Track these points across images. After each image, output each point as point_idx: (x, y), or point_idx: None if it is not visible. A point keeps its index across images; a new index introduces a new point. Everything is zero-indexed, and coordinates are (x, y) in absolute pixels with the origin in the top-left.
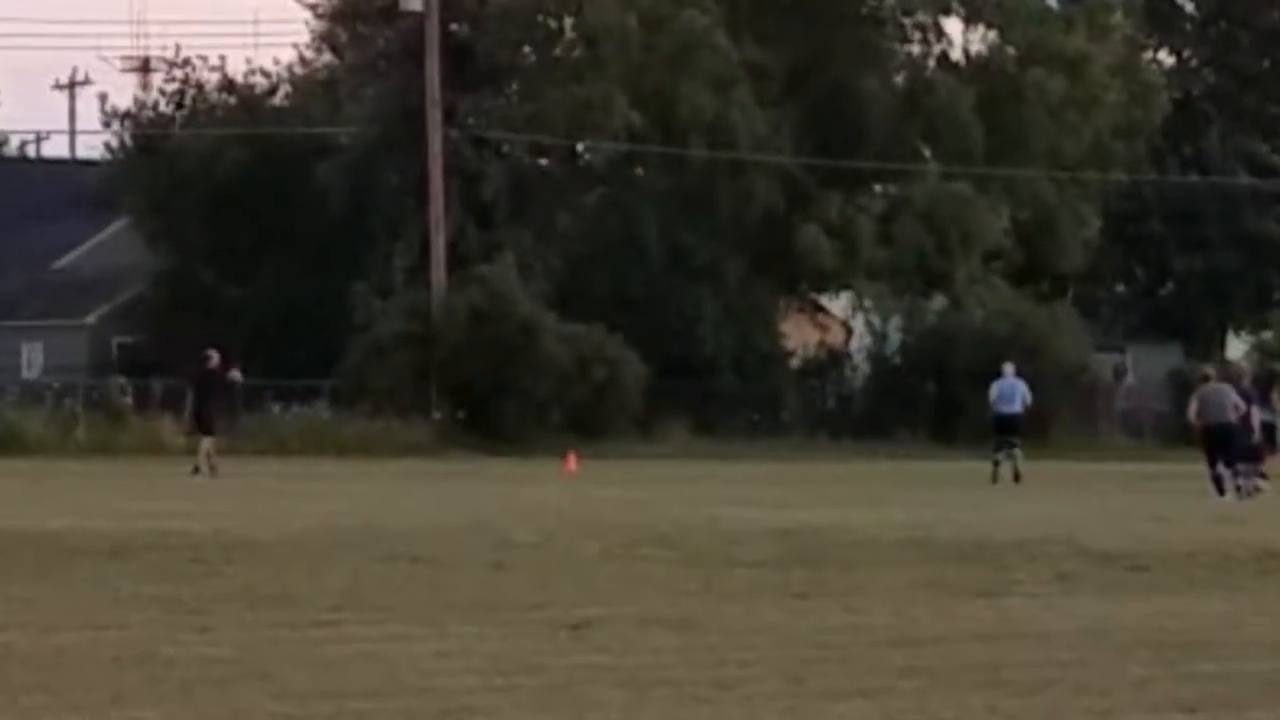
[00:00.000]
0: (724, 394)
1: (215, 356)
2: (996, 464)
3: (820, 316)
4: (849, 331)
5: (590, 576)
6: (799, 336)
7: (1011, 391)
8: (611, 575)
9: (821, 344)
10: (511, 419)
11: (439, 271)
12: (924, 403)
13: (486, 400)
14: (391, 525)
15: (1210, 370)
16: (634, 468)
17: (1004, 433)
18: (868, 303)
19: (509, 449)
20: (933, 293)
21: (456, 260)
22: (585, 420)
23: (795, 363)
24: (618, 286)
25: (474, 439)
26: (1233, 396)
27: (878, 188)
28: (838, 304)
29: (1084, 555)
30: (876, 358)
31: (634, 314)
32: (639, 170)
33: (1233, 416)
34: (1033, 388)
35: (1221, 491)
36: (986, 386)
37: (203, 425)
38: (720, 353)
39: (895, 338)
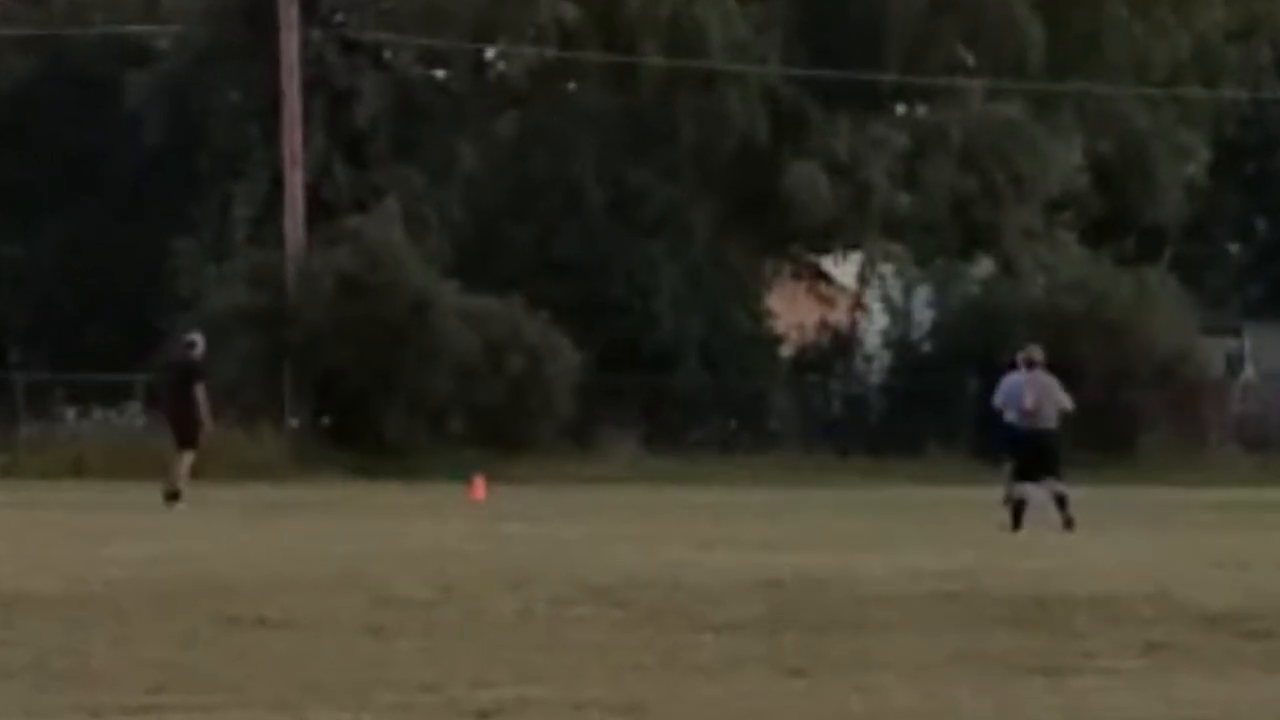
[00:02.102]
0: (688, 393)
1: (200, 343)
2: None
3: (822, 287)
4: (860, 307)
5: (504, 645)
6: (792, 314)
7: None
8: (533, 643)
9: (823, 325)
10: (396, 428)
11: (295, 225)
12: (964, 405)
13: (361, 402)
14: (231, 575)
15: (1037, 352)
16: (565, 495)
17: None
18: (886, 268)
19: (392, 469)
20: (976, 254)
21: (320, 209)
22: (498, 430)
23: (787, 350)
24: (542, 245)
25: (344, 455)
26: (1059, 391)
27: (900, 109)
28: (845, 270)
29: (1182, 616)
30: (899, 344)
31: (565, 283)
32: (571, 86)
33: (1056, 422)
34: (1115, 384)
35: (1018, 524)
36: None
37: (185, 436)
38: (683, 336)
39: (924, 316)
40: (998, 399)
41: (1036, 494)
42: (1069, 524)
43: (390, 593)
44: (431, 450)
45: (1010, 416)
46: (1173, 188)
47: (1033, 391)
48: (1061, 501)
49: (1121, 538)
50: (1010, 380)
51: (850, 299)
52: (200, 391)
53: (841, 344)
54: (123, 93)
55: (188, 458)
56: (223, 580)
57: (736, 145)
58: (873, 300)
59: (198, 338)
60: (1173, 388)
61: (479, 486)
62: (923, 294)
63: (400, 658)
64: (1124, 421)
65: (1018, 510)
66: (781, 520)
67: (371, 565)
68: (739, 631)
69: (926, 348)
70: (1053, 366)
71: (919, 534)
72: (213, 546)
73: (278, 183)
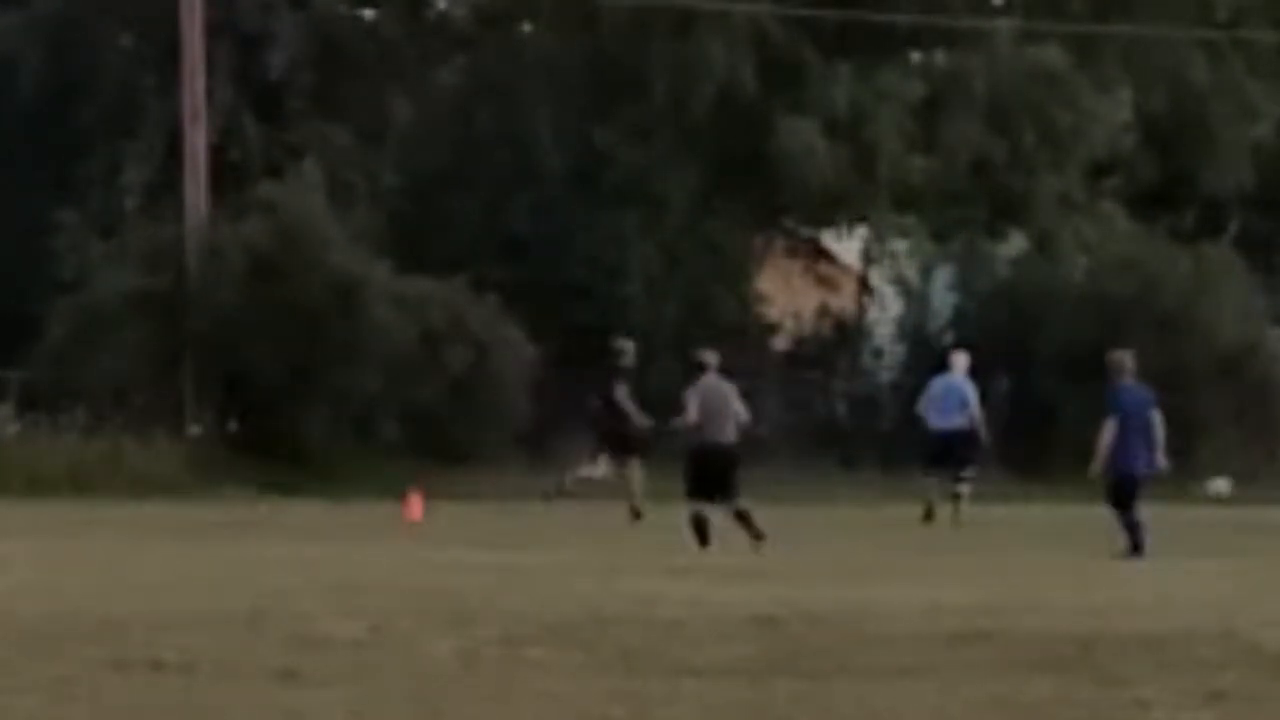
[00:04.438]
0: (663, 394)
1: (629, 351)
2: (937, 502)
3: (822, 267)
4: (868, 292)
5: (445, 693)
6: (787, 299)
7: (946, 396)
8: (480, 691)
9: (824, 312)
10: (316, 435)
11: (197, 193)
12: (991, 408)
13: (276, 404)
14: (120, 609)
15: (709, 356)
16: (517, 514)
17: (940, 459)
18: (898, 245)
19: (313, 484)
20: (1005, 228)
21: (227, 174)
22: (438, 437)
23: (781, 342)
24: (490, 218)
25: (255, 467)
26: (737, 402)
27: (915, 56)
28: (850, 247)
29: (1253, 659)
30: (914, 335)
31: (517, 263)
32: (525, 29)
33: (734, 435)
34: (1169, 383)
35: (704, 540)
36: (1088, 380)
37: (629, 444)
38: (657, 325)
39: (944, 302)
40: (921, 400)
41: (715, 511)
42: (759, 537)
43: (310, 631)
44: (359, 461)
45: (930, 420)
46: (1238, 150)
47: (698, 400)
48: (743, 517)
49: (1179, 566)
50: (933, 382)
51: (856, 281)
52: (622, 393)
53: (846, 335)
54: None
55: (635, 469)
56: (110, 616)
57: (718, 99)
58: (883, 283)
59: (628, 345)
60: (1238, 387)
61: (415, 504)
62: (942, 276)
63: (321, 709)
64: (1180, 428)
65: (700, 529)
66: (774, 545)
67: (287, 599)
68: (724, 677)
69: (947, 339)
70: (1097, 362)
71: (939, 562)
72: (98, 576)
73: (176, 143)
